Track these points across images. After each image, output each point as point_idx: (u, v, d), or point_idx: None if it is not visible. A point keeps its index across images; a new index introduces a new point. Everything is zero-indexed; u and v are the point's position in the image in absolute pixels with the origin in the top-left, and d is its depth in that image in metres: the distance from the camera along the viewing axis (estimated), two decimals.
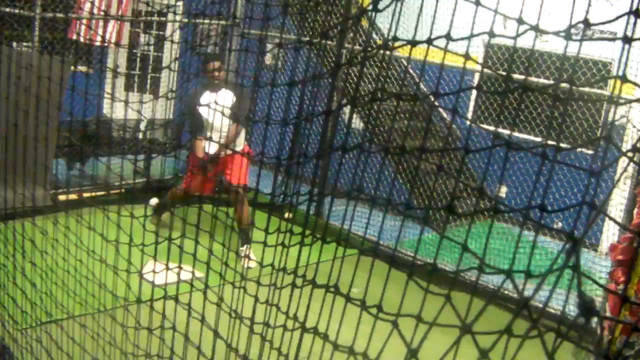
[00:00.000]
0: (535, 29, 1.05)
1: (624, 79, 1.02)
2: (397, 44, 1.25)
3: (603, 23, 1.03)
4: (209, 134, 5.74)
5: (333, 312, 1.50)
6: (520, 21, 1.08)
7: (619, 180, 5.05)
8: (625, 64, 1.17)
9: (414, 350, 1.12)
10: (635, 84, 1.18)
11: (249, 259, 5.60)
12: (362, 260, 1.50)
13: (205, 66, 5.93)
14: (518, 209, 1.03)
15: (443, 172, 7.29)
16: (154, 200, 6.37)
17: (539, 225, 1.01)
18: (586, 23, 1.01)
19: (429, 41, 1.15)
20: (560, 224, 6.79)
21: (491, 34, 1.10)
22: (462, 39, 1.15)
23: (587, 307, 1.01)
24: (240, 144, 6.05)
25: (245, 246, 5.74)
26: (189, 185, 5.94)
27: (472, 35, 1.12)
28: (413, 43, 1.18)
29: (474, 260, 1.16)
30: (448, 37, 1.14)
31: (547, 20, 6.72)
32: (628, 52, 1.03)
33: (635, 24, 0.96)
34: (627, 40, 0.98)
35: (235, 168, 5.86)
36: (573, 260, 1.00)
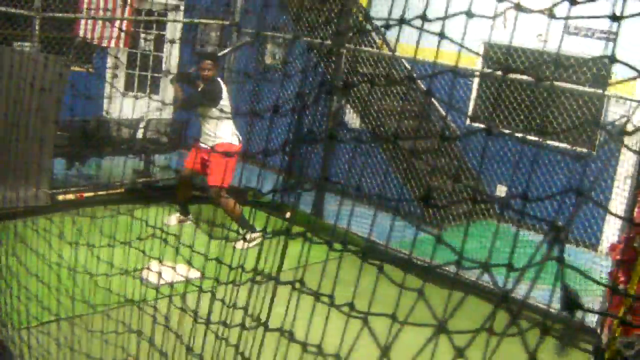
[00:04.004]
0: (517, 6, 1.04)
1: (613, 59, 1.01)
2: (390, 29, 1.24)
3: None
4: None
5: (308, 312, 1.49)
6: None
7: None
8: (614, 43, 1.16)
9: (386, 346, 1.12)
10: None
11: (246, 240, 5.82)
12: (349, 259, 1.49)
13: (199, 64, 6.19)
14: (497, 197, 1.03)
15: (437, 170, 7.28)
16: (173, 220, 6.42)
17: (521, 213, 1.00)
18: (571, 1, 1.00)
19: (423, 17, 1.13)
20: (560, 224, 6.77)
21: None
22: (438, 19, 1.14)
23: (571, 300, 1.00)
24: (221, 139, 6.11)
25: (245, 230, 5.94)
26: (190, 162, 6.28)
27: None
28: (402, 22, 1.17)
29: (454, 256, 1.15)
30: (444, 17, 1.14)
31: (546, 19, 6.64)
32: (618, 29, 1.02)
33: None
34: (616, 18, 0.97)
35: (214, 167, 6.04)
36: (556, 251, 0.98)
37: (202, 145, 6.12)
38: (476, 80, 7.77)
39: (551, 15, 1.03)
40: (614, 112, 6.39)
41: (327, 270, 1.60)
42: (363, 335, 1.34)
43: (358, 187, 7.26)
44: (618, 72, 6.49)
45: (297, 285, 1.47)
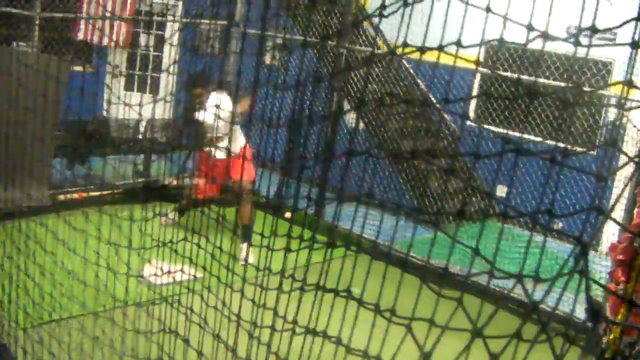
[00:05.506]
0: (544, 35, 1.05)
1: (631, 84, 1.02)
2: (405, 50, 1.25)
3: (610, 29, 1.02)
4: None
5: (340, 315, 1.50)
6: (530, 28, 1.08)
7: (626, 185, 5.03)
8: (632, 69, 1.17)
9: (427, 353, 1.13)
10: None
11: (246, 260, 5.67)
12: (373, 264, 1.50)
13: (192, 89, 6.00)
14: (527, 213, 1.04)
15: (446, 174, 7.28)
16: (170, 215, 6.34)
17: (547, 229, 1.01)
18: (593, 29, 1.01)
19: (440, 47, 1.15)
20: (560, 224, 6.80)
21: (501, 41, 1.10)
22: (471, 46, 1.15)
23: (595, 311, 1.01)
24: (239, 143, 6.04)
25: (245, 244, 5.80)
26: (204, 193, 5.81)
27: (482, 43, 1.12)
28: (421, 50, 1.18)
29: (482, 262, 1.16)
30: (458, 44, 1.14)
31: (549, 20, 6.64)
32: (635, 56, 1.03)
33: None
34: (635, 45, 0.98)
35: (238, 165, 5.88)
36: (581, 265, 1.00)
37: (219, 156, 5.87)
38: (477, 80, 7.78)
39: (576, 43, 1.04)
40: (614, 113, 6.41)
41: (325, 270, 1.61)
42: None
43: (371, 194, 7.23)
44: (618, 73, 6.51)
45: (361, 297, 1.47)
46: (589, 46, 1.04)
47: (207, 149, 5.93)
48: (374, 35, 7.96)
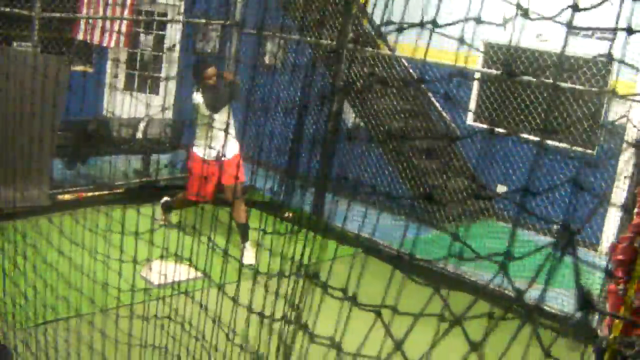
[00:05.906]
0: (524, 13, 1.04)
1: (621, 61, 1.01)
2: (390, 28, 1.24)
3: (596, 6, 1.01)
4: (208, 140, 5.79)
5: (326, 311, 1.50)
6: (518, 7, 1.07)
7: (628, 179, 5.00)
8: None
9: (399, 341, 1.12)
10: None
11: (245, 256, 5.68)
12: (371, 265, 1.50)
13: (201, 72, 5.88)
14: (509, 191, 1.03)
15: (440, 169, 7.27)
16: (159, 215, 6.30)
17: (522, 208, 1.00)
18: (575, 7, 1.00)
19: (421, 24, 1.14)
20: (556, 227, 6.77)
21: (478, 21, 1.09)
22: (450, 24, 1.14)
23: (585, 299, 1.00)
24: (230, 146, 5.97)
25: (245, 243, 5.80)
26: (194, 193, 5.83)
27: (465, 20, 1.11)
28: (401, 29, 1.17)
29: (474, 262, 1.15)
30: (433, 23, 1.13)
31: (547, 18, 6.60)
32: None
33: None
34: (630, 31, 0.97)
35: (230, 165, 5.82)
36: (567, 254, 0.99)
37: (211, 155, 5.69)
38: (476, 80, 7.76)
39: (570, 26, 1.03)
40: (615, 112, 6.39)
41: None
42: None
43: (373, 188, 7.23)
44: (620, 72, 6.48)
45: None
46: (581, 29, 1.03)
47: (199, 151, 5.85)
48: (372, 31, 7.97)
